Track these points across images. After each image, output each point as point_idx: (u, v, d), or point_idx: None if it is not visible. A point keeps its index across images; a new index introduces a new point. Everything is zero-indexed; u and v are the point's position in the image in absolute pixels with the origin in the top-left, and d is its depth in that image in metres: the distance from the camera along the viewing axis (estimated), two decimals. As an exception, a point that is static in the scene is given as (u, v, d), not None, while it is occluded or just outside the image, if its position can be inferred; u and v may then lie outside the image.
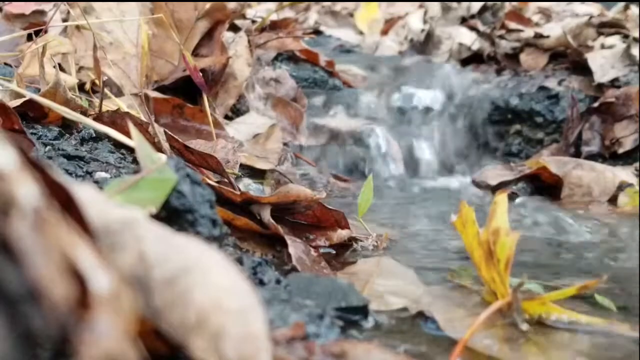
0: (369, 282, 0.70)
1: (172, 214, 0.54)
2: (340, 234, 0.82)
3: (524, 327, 0.56)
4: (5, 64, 1.12)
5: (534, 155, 1.66)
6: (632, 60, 1.72)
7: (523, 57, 1.91)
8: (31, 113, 0.86)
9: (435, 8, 2.46)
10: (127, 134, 0.59)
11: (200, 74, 1.18)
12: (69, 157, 0.78)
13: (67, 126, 0.89)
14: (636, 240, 1.00)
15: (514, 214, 1.15)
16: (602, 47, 1.83)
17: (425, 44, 2.24)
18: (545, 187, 1.42)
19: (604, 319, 0.59)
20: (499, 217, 0.57)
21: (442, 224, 1.07)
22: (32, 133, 0.82)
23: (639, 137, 1.56)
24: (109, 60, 1.13)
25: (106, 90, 1.07)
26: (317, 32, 2.46)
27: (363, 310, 0.57)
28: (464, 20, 2.36)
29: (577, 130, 1.63)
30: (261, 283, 0.57)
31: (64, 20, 1.29)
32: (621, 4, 2.22)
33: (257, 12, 2.05)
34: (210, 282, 0.33)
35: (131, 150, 0.85)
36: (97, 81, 1.10)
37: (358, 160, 1.54)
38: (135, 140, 0.53)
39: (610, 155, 1.59)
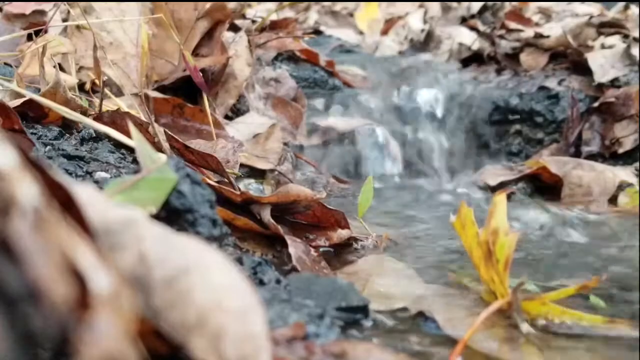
0: (369, 281, 0.70)
1: (172, 214, 0.54)
2: (340, 234, 0.82)
3: (524, 327, 0.56)
4: (5, 64, 1.12)
5: (534, 155, 1.66)
6: (632, 60, 1.72)
7: (523, 57, 1.91)
8: (31, 113, 0.86)
9: (435, 8, 2.47)
10: (127, 133, 0.59)
11: (200, 73, 1.18)
12: (69, 157, 0.78)
13: (67, 126, 0.89)
14: (636, 240, 1.00)
15: (514, 214, 1.15)
16: (602, 47, 1.84)
17: (425, 44, 2.24)
18: (545, 187, 1.42)
19: (604, 319, 0.59)
20: (498, 217, 0.57)
21: (442, 223, 1.07)
22: (32, 133, 0.82)
23: (639, 137, 1.56)
24: (109, 60, 1.13)
25: (106, 90, 1.07)
26: (317, 32, 2.45)
27: (363, 310, 0.57)
28: (464, 20, 2.36)
29: (577, 130, 1.63)
30: (261, 283, 0.57)
31: (64, 20, 1.29)
32: (621, 4, 2.22)
33: (257, 12, 2.05)
34: (210, 282, 0.33)
35: (131, 150, 0.85)
36: (97, 81, 1.10)
37: (358, 160, 1.54)
38: (135, 140, 0.53)
39: (610, 155, 1.59)
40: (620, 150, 1.58)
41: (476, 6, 2.36)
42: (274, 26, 1.85)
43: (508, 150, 1.73)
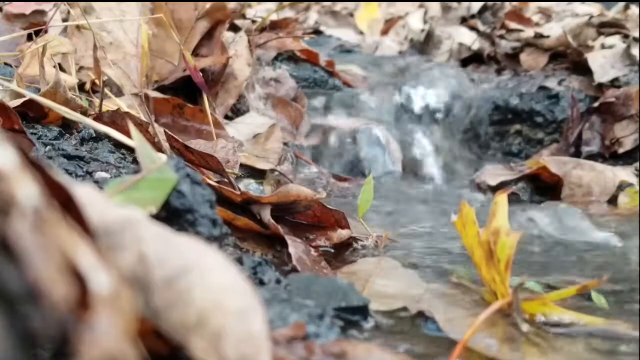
0: (369, 281, 0.70)
1: (172, 214, 0.54)
2: (341, 234, 0.82)
3: (524, 327, 0.56)
4: (5, 64, 1.12)
5: (534, 155, 1.66)
6: (632, 60, 1.72)
7: (523, 57, 1.91)
8: (31, 113, 0.86)
9: (435, 8, 2.47)
10: (127, 133, 0.59)
11: (200, 73, 1.18)
12: (69, 157, 0.78)
13: (67, 126, 0.89)
14: (636, 240, 1.00)
15: (514, 214, 1.15)
16: (602, 47, 1.84)
17: (425, 44, 2.24)
18: (545, 187, 1.42)
19: (604, 319, 0.59)
20: (499, 217, 0.57)
21: (442, 223, 1.07)
22: (32, 133, 0.82)
23: (639, 137, 1.56)
24: (109, 60, 1.13)
25: (106, 90, 1.07)
26: (317, 32, 2.45)
27: (363, 310, 0.57)
28: (464, 20, 2.36)
29: (577, 130, 1.63)
30: (261, 283, 0.57)
31: (64, 20, 1.29)
32: (621, 4, 2.22)
33: (257, 12, 2.05)
34: (211, 282, 0.33)
35: (131, 150, 0.85)
36: (97, 81, 1.10)
37: (358, 160, 1.54)
38: (135, 140, 0.53)
39: (610, 155, 1.59)
40: (620, 150, 1.58)
41: (476, 6, 2.36)
42: (274, 26, 1.85)
43: (508, 150, 1.73)
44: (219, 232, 0.58)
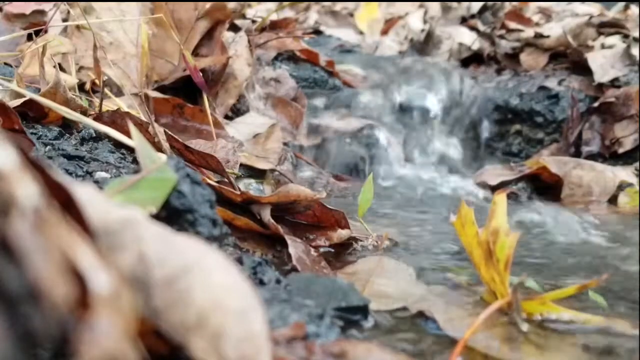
0: (369, 281, 0.70)
1: (172, 214, 0.54)
2: (341, 234, 0.82)
3: (524, 326, 0.56)
4: (5, 64, 1.12)
5: (534, 155, 1.67)
6: (632, 60, 1.72)
7: (523, 57, 1.91)
8: (31, 113, 0.86)
9: (435, 8, 2.47)
10: (127, 133, 0.59)
11: (200, 73, 1.18)
12: (69, 157, 0.78)
13: (67, 126, 0.89)
14: (636, 240, 1.00)
15: (514, 214, 1.15)
16: (602, 47, 1.84)
17: (425, 44, 2.24)
18: (545, 187, 1.42)
19: (604, 318, 0.59)
20: (499, 217, 0.57)
21: (442, 223, 1.07)
22: (32, 133, 0.82)
23: (639, 137, 1.57)
24: (109, 60, 1.13)
25: (106, 90, 1.07)
26: (317, 32, 2.45)
27: (363, 310, 0.57)
28: (464, 20, 2.36)
29: (577, 130, 1.63)
30: (261, 283, 0.57)
31: (64, 20, 1.29)
32: (621, 4, 2.22)
33: (257, 12, 2.05)
34: (211, 282, 0.33)
35: (131, 150, 0.85)
36: (97, 81, 1.10)
37: (358, 160, 1.54)
38: (135, 140, 0.53)
39: (610, 155, 1.59)
40: (620, 150, 1.58)
41: (476, 6, 2.37)
42: (274, 26, 1.85)
43: (508, 150, 1.73)
44: (219, 232, 0.58)
